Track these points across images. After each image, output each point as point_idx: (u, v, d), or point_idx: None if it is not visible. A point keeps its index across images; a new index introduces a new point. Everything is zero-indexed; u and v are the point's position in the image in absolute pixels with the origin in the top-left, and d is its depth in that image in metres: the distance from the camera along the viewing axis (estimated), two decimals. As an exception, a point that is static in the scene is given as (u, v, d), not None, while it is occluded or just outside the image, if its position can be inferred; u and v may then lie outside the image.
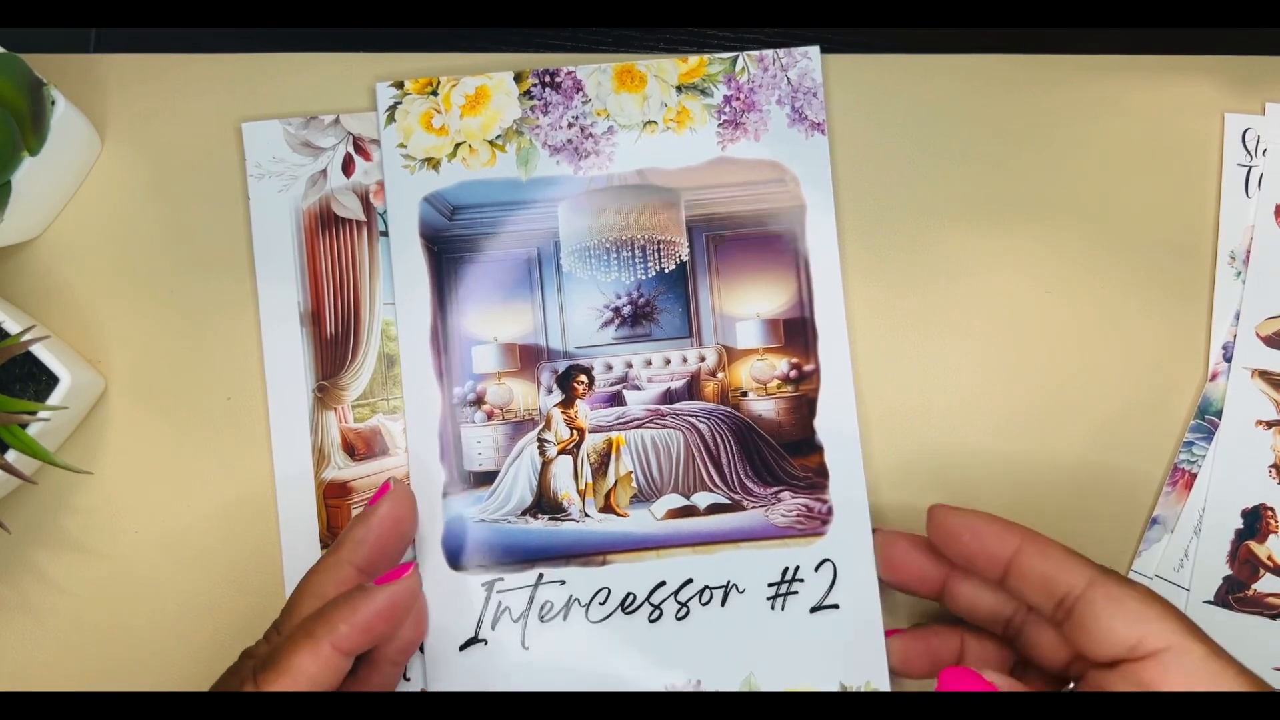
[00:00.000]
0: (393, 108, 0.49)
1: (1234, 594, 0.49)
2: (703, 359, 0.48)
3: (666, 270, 0.48)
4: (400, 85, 0.49)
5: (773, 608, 0.46)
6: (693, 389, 0.48)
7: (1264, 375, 0.49)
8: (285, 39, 0.51)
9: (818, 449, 0.48)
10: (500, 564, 0.47)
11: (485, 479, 0.48)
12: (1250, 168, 0.50)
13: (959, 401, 0.49)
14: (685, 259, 0.49)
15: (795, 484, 0.47)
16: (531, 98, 0.48)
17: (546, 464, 0.48)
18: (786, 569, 0.46)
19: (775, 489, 0.47)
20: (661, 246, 0.48)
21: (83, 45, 0.51)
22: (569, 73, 0.49)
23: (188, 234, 0.49)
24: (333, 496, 0.48)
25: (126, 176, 0.50)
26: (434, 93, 0.48)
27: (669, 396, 0.48)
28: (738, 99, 0.49)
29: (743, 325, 0.48)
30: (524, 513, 0.47)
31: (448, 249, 0.48)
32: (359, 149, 0.50)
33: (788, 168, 0.48)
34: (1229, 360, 0.49)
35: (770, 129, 0.49)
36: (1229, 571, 0.49)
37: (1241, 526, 0.49)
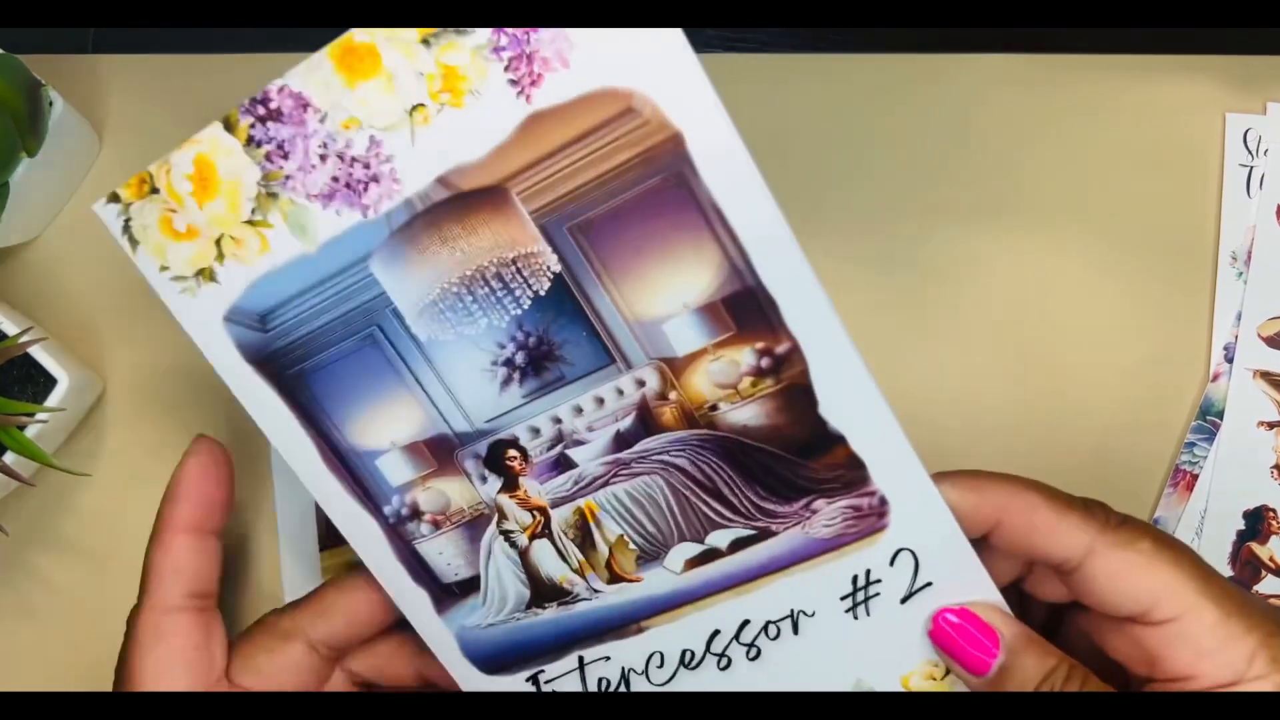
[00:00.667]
0: (127, 227, 0.39)
1: (1235, 595, 0.48)
2: (641, 383, 0.37)
3: (541, 292, 0.36)
4: (116, 198, 0.39)
5: (855, 618, 0.39)
6: (647, 422, 0.38)
7: (1266, 376, 0.49)
8: (285, 39, 0.51)
9: (837, 440, 0.36)
10: (534, 658, 0.40)
11: (471, 584, 0.40)
12: (1251, 168, 0.50)
13: (957, 403, 0.49)
14: (556, 269, 0.35)
15: (828, 488, 0.37)
16: (257, 144, 0.37)
17: (524, 554, 0.40)
18: (856, 576, 0.38)
19: (804, 501, 0.38)
20: (519, 264, 0.36)
21: (81, 46, 0.51)
22: (282, 89, 0.36)
23: (186, 235, 0.49)
24: (332, 498, 0.48)
25: (125, 178, 0.49)
26: (155, 190, 0.38)
27: (623, 440, 0.38)
28: None
29: (671, 325, 0.36)
30: (528, 608, 0.40)
31: (282, 364, 0.38)
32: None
33: (632, 89, 0.33)
34: (1230, 361, 0.49)
35: (578, 43, 0.32)
36: (1230, 573, 0.48)
37: (1243, 528, 0.49)
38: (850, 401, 0.36)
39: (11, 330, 0.44)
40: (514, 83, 0.33)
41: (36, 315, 0.48)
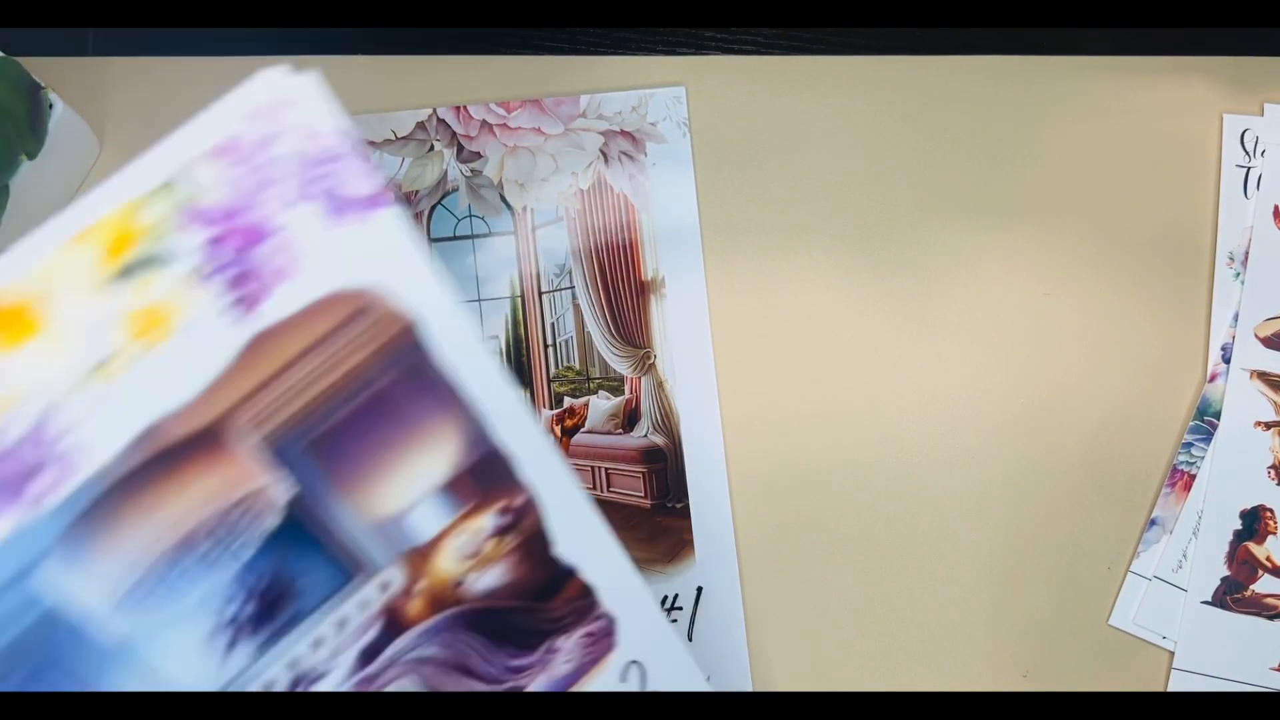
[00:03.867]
0: None
1: (1232, 595, 0.49)
2: (386, 587, 0.34)
3: (270, 529, 0.32)
4: None
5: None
6: (395, 624, 0.35)
7: (1263, 376, 0.49)
8: (284, 41, 0.51)
9: (569, 574, 0.37)
10: None
11: None
12: (1249, 169, 0.50)
13: (955, 403, 0.49)
14: (287, 497, 0.32)
15: (565, 623, 0.37)
16: None
17: None
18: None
19: (545, 644, 0.37)
20: (243, 507, 0.31)
21: (81, 48, 0.51)
22: None
23: (186, 237, 0.49)
24: (331, 499, 0.48)
25: (124, 179, 0.50)
26: None
27: (369, 654, 0.35)
28: (225, 240, 0.29)
29: (415, 515, 0.34)
30: None
31: None
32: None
33: (363, 288, 0.31)
34: (1228, 361, 0.49)
35: (307, 249, 0.30)
36: (1227, 572, 0.49)
37: (1240, 527, 0.49)
38: (576, 533, 0.36)
39: (12, 332, 0.44)
40: (238, 302, 0.30)
41: (37, 317, 0.48)
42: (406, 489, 0.33)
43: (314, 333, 0.31)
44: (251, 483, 0.31)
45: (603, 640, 0.37)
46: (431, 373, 0.32)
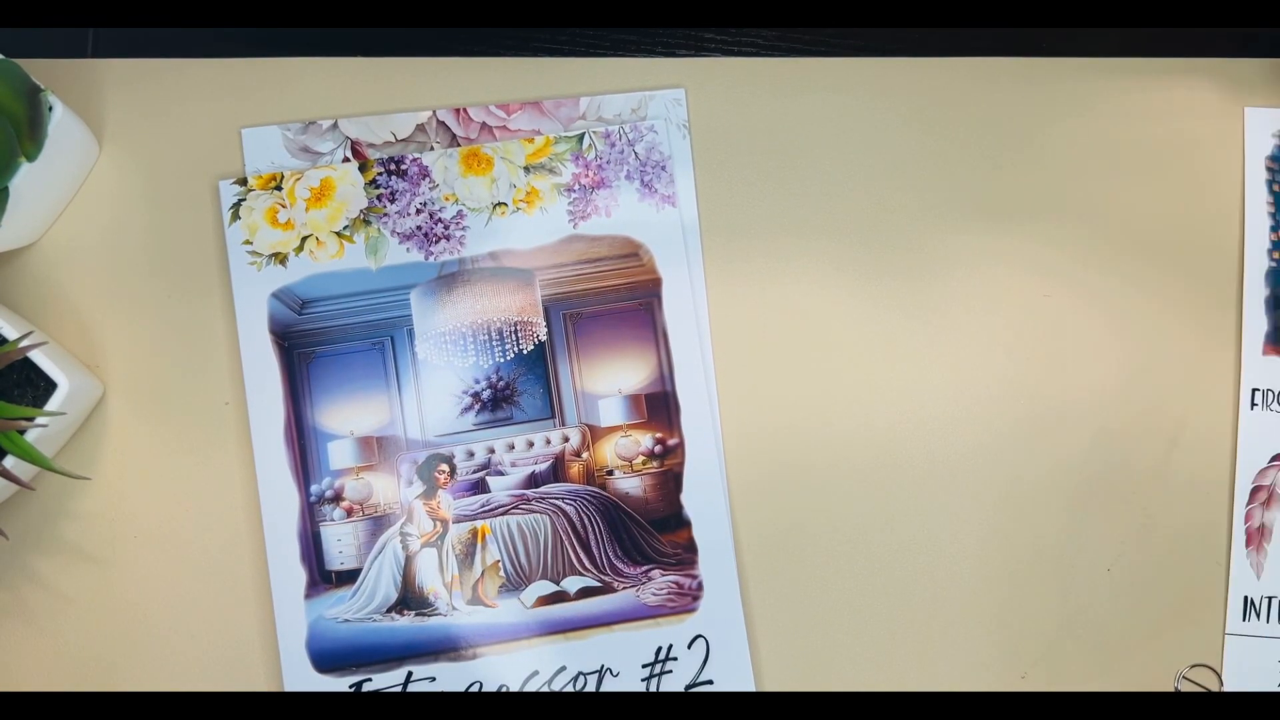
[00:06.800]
0: (236, 205, 0.48)
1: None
2: (566, 439, 0.48)
3: (525, 351, 0.48)
4: (244, 182, 0.48)
5: (648, 689, 0.47)
6: (558, 471, 0.48)
7: None
8: (284, 42, 0.51)
9: (686, 524, 0.48)
10: (367, 664, 0.47)
11: (348, 578, 0.47)
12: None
13: (957, 403, 0.49)
14: (544, 339, 0.48)
15: (665, 561, 0.47)
16: (377, 186, 0.48)
17: (410, 558, 0.47)
18: (660, 648, 0.47)
19: (645, 568, 0.47)
20: (519, 328, 0.48)
21: (80, 49, 0.51)
22: (414, 159, 0.49)
23: (186, 239, 0.49)
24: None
25: (124, 181, 0.50)
26: (278, 187, 0.48)
27: (534, 480, 0.48)
28: (586, 176, 0.49)
29: (605, 402, 0.48)
30: (389, 610, 0.47)
31: (298, 344, 0.48)
32: (356, 154, 0.49)
33: (641, 242, 0.49)
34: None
35: (621, 204, 0.49)
36: None
37: None
38: (705, 497, 0.48)
39: (11, 334, 0.44)
40: (570, 213, 0.49)
41: (36, 319, 0.48)
42: (605, 380, 0.48)
43: (602, 251, 0.49)
44: (529, 316, 0.48)
45: (688, 597, 0.47)
46: (656, 317, 0.48)
